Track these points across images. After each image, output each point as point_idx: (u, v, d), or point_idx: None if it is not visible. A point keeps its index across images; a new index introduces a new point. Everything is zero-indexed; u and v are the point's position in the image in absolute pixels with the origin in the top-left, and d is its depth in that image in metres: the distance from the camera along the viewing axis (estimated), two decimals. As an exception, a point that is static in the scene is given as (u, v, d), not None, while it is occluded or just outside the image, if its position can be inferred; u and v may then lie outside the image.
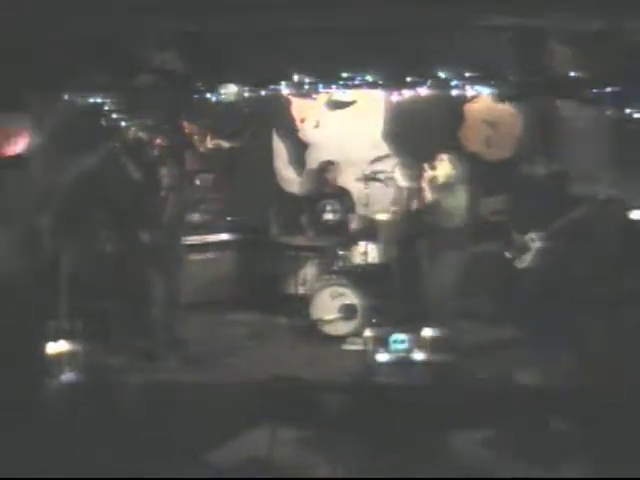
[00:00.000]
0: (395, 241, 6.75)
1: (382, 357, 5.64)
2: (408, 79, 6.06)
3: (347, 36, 5.81)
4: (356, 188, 7.18)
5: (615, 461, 4.15)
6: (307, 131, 7.63)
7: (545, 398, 4.90)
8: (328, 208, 7.21)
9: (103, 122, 6.31)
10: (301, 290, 6.86)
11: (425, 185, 6.20)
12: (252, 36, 5.88)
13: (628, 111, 5.90)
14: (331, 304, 6.39)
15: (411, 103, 6.49)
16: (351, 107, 7.42)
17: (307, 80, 6.11)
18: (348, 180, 7.33)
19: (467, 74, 5.95)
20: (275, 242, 7.19)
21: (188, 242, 6.69)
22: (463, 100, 6.76)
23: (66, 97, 6.09)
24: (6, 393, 4.67)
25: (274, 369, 5.46)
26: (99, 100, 6.24)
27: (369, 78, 6.04)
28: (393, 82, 6.14)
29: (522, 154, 6.83)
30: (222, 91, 6.26)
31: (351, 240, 6.76)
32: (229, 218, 7.48)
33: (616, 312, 5.64)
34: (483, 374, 5.40)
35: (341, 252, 6.71)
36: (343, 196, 7.26)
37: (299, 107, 7.49)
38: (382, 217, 6.84)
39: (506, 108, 6.99)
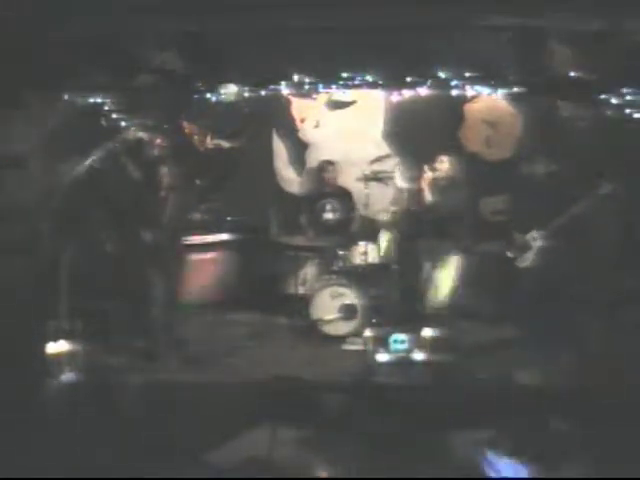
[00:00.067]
0: (395, 241, 6.75)
1: (382, 357, 5.64)
2: (408, 79, 6.06)
3: (347, 36, 5.80)
4: (356, 188, 7.18)
5: (615, 461, 4.14)
6: (307, 131, 7.63)
7: (545, 398, 4.89)
8: (328, 208, 7.20)
9: (103, 122, 6.32)
10: (301, 290, 6.86)
11: (425, 185, 6.21)
12: (252, 36, 5.88)
13: (628, 111, 5.91)
14: (331, 304, 6.39)
15: (411, 103, 6.50)
16: (351, 107, 7.42)
17: (307, 80, 6.12)
18: (348, 180, 7.33)
19: (467, 74, 5.95)
20: (275, 242, 7.19)
21: (188, 242, 6.69)
22: (463, 100, 6.76)
23: (66, 97, 6.09)
24: (6, 393, 4.67)
25: (274, 369, 5.46)
26: (99, 100, 6.24)
27: (369, 78, 6.04)
28: (393, 82, 6.15)
29: (522, 154, 6.83)
30: (222, 91, 6.27)
31: (351, 240, 6.76)
32: (229, 218, 7.47)
33: (616, 312, 5.64)
34: (483, 374, 5.40)
35: (341, 252, 6.71)
36: (343, 196, 7.26)
37: (299, 107, 7.49)
38: (382, 217, 6.84)
39: (506, 108, 6.99)
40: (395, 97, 6.46)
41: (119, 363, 5.58)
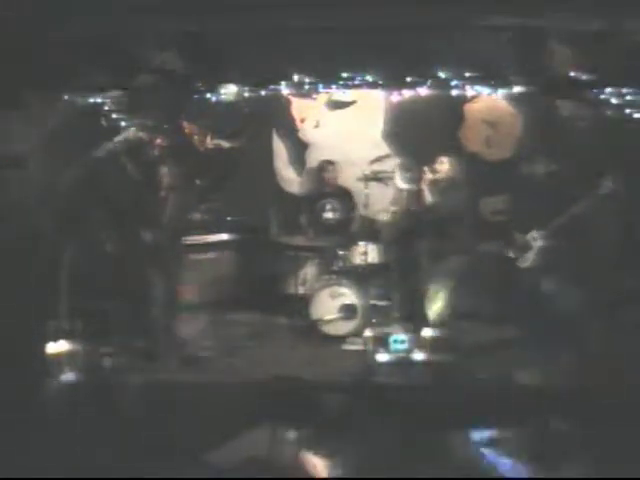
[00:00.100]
0: (395, 241, 6.75)
1: (382, 357, 5.64)
2: (408, 79, 6.06)
3: (347, 36, 5.80)
4: (356, 188, 7.18)
5: (615, 461, 4.14)
6: (307, 131, 7.62)
7: (545, 398, 4.90)
8: (328, 208, 7.20)
9: (103, 122, 6.31)
10: (301, 290, 6.86)
11: (425, 185, 6.20)
12: (252, 36, 5.88)
13: (628, 111, 5.91)
14: (331, 304, 6.39)
15: (411, 103, 6.50)
16: (351, 107, 7.41)
17: (307, 80, 6.12)
18: (348, 180, 7.33)
19: (467, 74, 5.95)
20: (275, 242, 7.18)
21: (188, 242, 6.69)
22: (463, 100, 6.75)
23: (66, 97, 6.09)
24: (6, 393, 4.67)
25: (274, 369, 5.46)
26: (99, 100, 6.24)
27: (369, 78, 6.04)
28: (393, 82, 6.15)
29: (522, 154, 6.83)
30: (222, 91, 6.27)
31: (351, 240, 6.75)
32: (229, 218, 7.47)
33: (616, 312, 5.64)
34: (483, 374, 5.40)
35: (341, 252, 6.71)
36: (343, 196, 7.26)
37: (299, 107, 7.48)
38: (382, 217, 6.84)
39: (506, 108, 6.99)
40: (395, 97, 6.46)
41: (119, 363, 5.58)
